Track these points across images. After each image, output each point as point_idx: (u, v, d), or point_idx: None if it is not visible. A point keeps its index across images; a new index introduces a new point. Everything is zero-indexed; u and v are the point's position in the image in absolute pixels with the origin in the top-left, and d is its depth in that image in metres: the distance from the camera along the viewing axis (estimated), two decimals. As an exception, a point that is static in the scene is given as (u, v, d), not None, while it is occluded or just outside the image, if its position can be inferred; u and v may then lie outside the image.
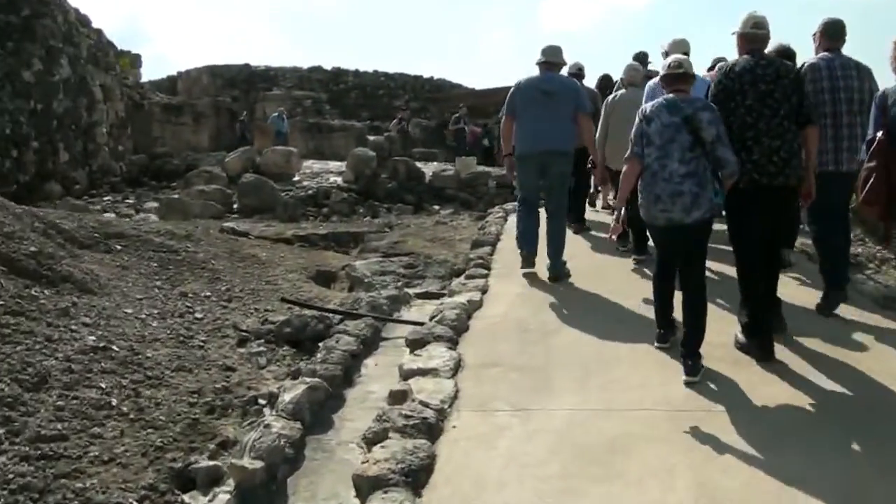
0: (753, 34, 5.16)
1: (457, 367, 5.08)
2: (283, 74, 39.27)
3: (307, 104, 34.76)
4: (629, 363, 5.10)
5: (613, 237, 5.61)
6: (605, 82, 10.25)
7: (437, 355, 5.19)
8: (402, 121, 30.75)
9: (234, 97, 34.89)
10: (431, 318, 6.10)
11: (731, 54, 5.56)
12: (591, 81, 10.56)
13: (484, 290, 6.95)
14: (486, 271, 7.71)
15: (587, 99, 7.79)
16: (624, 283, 7.16)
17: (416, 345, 5.51)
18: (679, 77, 5.00)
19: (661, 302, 5.25)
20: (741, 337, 5.24)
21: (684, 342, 4.87)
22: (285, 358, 5.72)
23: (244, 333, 6.03)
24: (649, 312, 5.52)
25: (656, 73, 7.20)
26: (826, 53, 5.99)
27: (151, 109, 27.86)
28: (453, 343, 5.54)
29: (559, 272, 7.28)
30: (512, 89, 7.46)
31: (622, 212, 5.26)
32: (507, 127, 7.44)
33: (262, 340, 5.94)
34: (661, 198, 4.82)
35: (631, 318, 6.06)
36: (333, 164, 22.39)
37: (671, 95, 4.98)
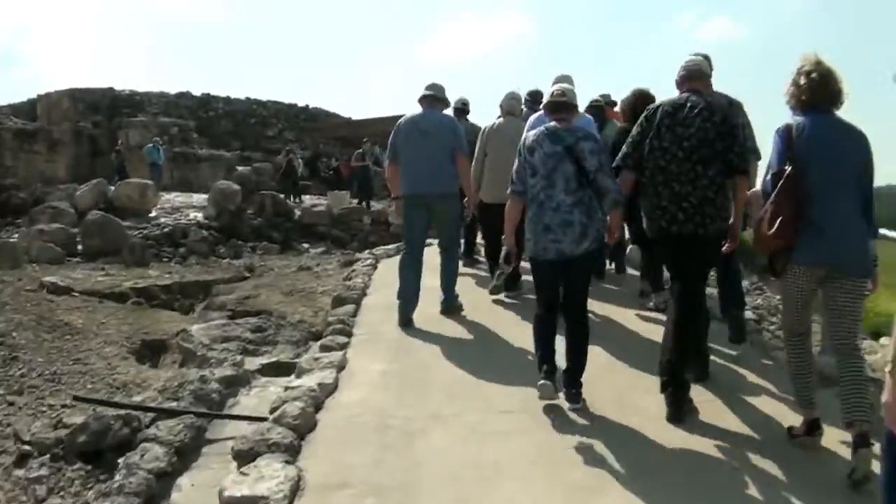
0: (688, 74, 4.94)
1: (294, 493, 3.79)
2: (150, 100, 37.01)
3: (174, 132, 32.74)
4: (515, 476, 3.95)
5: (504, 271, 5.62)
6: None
7: (269, 474, 3.89)
8: (289, 153, 27.34)
9: (95, 123, 32.52)
10: (272, 411, 4.81)
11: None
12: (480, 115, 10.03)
13: (341, 367, 5.68)
14: (345, 339, 6.43)
15: (464, 138, 7.30)
16: (511, 325, 6.78)
17: (244, 458, 4.18)
18: (561, 106, 4.93)
19: (544, 337, 4.97)
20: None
21: (567, 370, 4.84)
22: (74, 483, 4.32)
23: (26, 447, 4.57)
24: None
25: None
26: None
27: (2, 136, 25.43)
28: (293, 453, 4.24)
29: (450, 306, 7.24)
30: (393, 131, 7.16)
31: (509, 247, 5.17)
32: (392, 169, 7.19)
33: (48, 456, 4.50)
34: (552, 227, 4.74)
35: (517, 395, 5.02)
36: (197, 198, 20.72)
37: (553, 124, 4.92)
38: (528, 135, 5.01)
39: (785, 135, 4.18)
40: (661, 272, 7.21)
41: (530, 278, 5.37)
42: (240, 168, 26.70)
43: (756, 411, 4.83)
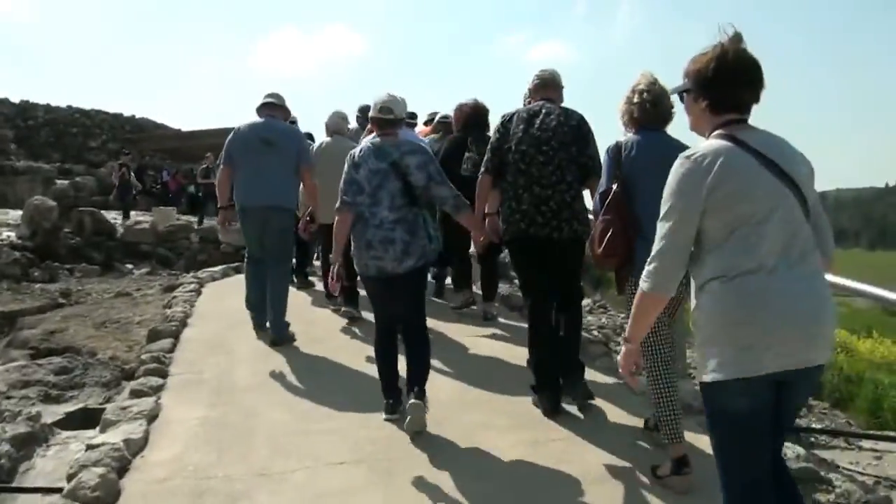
0: (543, 82, 5.13)
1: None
2: (-39, 107, 34.02)
3: (-11, 142, 30.13)
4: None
5: (334, 291, 5.14)
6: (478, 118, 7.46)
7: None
8: (123, 167, 23.87)
9: None
10: (70, 478, 4.11)
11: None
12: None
13: (152, 417, 5.00)
14: (160, 380, 5.72)
15: (310, 151, 7.22)
16: (346, 352, 6.50)
17: (28, 544, 3.51)
18: (387, 122, 4.79)
19: (386, 362, 4.90)
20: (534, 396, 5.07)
21: (409, 381, 4.69)
22: None
23: None
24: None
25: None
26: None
27: None
28: (86, 536, 3.60)
29: (281, 336, 6.76)
30: (230, 135, 6.77)
31: (337, 267, 4.87)
32: (224, 176, 6.80)
33: None
34: (373, 244, 4.63)
35: (355, 441, 4.49)
36: (14, 215, 18.95)
37: (378, 139, 4.79)
38: (355, 151, 4.86)
39: (614, 153, 4.16)
40: (495, 283, 7.60)
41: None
42: (59, 182, 24.83)
43: (617, 446, 4.49)
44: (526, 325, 5.18)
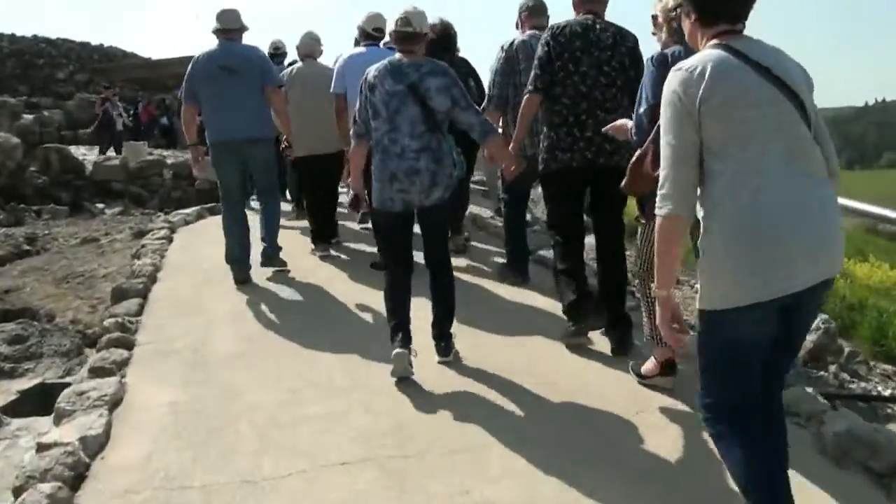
0: None
1: None
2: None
3: (-51, 76, 28.51)
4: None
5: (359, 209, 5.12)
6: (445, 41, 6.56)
7: None
8: (105, 101, 21.31)
9: None
10: (16, 493, 3.33)
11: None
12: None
13: (115, 402, 4.17)
14: (125, 353, 4.87)
15: (274, 70, 6.56)
16: (344, 305, 5.82)
17: None
18: (406, 36, 4.27)
19: (400, 306, 4.43)
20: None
21: (434, 324, 4.52)
22: None
23: None
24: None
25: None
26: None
27: None
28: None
29: (272, 258, 6.52)
30: (189, 67, 6.20)
31: (352, 195, 4.68)
32: (189, 114, 6.35)
33: None
34: (398, 176, 4.22)
35: (359, 431, 3.68)
36: (-23, 153, 17.72)
37: (396, 57, 4.32)
38: (370, 70, 4.36)
39: (660, 64, 3.68)
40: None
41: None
42: (25, 117, 23.49)
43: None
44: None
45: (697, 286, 2.54)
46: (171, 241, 8.23)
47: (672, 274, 2.58)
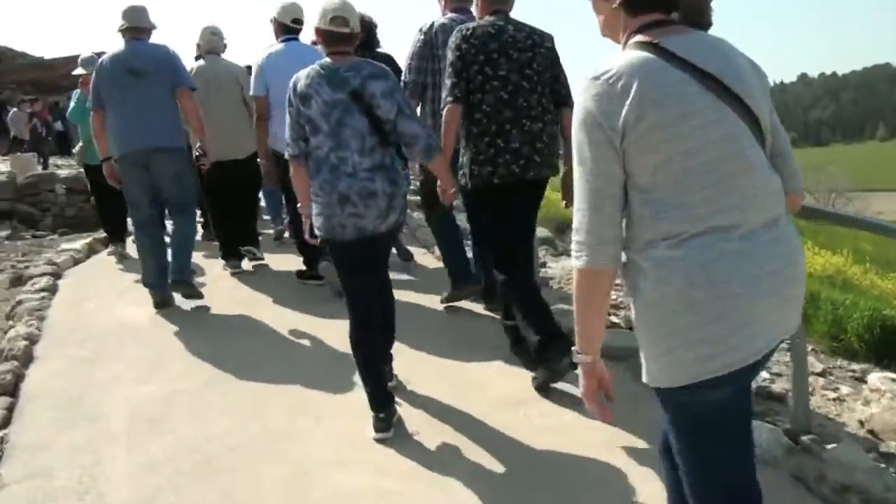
0: None
1: None
2: None
3: None
4: None
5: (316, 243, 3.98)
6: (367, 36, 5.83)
7: None
8: (33, 116, 18.76)
9: None
10: None
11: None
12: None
13: None
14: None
15: (186, 71, 5.88)
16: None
17: None
18: (341, 37, 3.60)
19: (371, 360, 3.72)
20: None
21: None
22: None
23: None
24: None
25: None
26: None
27: None
28: None
29: (184, 279, 5.77)
30: (94, 73, 5.66)
31: (307, 219, 3.81)
32: (98, 123, 5.68)
33: None
34: (350, 198, 3.53)
35: None
36: None
37: (328, 61, 3.61)
38: (298, 78, 3.63)
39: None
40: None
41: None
42: None
43: None
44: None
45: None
46: (55, 291, 6.47)
47: (597, 334, 2.02)
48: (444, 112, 4.15)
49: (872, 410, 4.10)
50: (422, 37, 5.12)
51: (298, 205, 3.99)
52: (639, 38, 1.92)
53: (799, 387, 3.48)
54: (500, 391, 4.14)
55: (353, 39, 3.68)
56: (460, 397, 4.07)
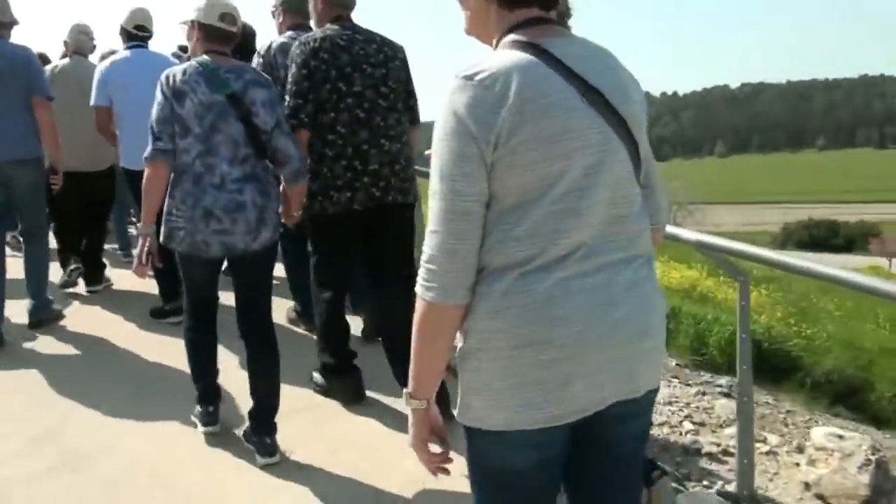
0: None
1: None
2: None
3: None
4: None
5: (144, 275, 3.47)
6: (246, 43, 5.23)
7: None
8: None
9: None
10: None
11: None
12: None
13: None
14: None
15: (45, 76, 5.23)
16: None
17: None
18: (228, 36, 3.37)
19: (204, 355, 3.58)
20: (319, 378, 4.11)
21: (256, 414, 3.42)
22: None
23: None
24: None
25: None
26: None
27: None
28: None
29: (42, 314, 5.18)
30: None
31: (147, 242, 3.30)
32: None
33: None
34: (214, 213, 3.21)
35: None
36: None
37: (206, 58, 3.30)
38: (173, 73, 3.28)
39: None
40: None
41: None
42: None
43: None
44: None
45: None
46: None
47: (435, 376, 1.74)
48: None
49: (820, 472, 3.82)
50: (260, 60, 4.70)
51: (139, 224, 3.50)
52: (515, 36, 1.66)
53: (743, 448, 3.35)
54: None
55: (234, 41, 3.45)
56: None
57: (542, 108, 1.55)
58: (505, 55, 1.62)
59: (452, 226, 1.60)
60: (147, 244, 3.30)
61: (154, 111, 3.26)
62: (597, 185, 1.60)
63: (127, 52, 5.44)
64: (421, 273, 1.65)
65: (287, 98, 3.69)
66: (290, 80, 3.71)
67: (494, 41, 1.72)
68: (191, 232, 3.23)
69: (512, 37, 1.66)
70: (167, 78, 3.26)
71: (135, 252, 3.44)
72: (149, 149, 3.26)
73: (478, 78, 1.57)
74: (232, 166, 3.25)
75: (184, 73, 3.24)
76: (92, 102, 5.45)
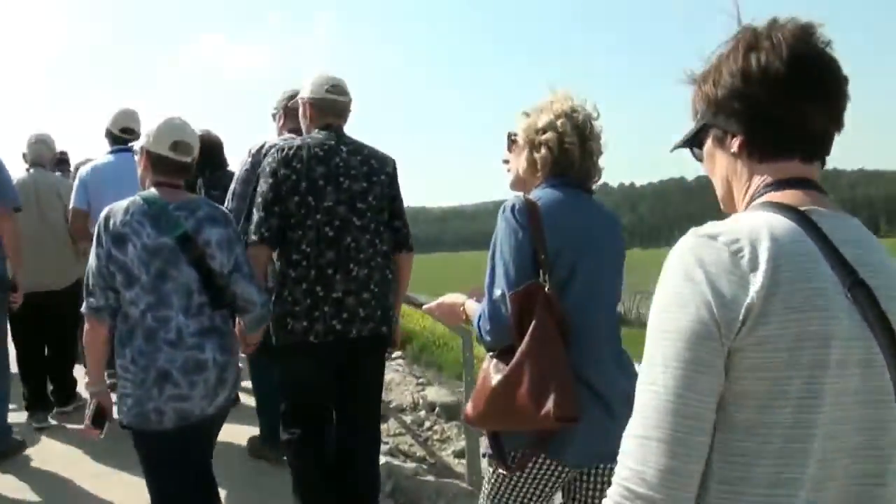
0: (332, 101, 3.41)
1: None
2: None
3: None
4: None
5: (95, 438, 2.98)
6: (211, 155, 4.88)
7: None
8: None
9: None
10: None
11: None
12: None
13: None
14: None
15: (12, 184, 4.83)
16: None
17: None
18: (182, 166, 2.90)
19: None
20: None
21: None
22: None
23: None
24: None
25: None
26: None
27: None
28: None
29: (4, 443, 4.74)
30: None
31: (94, 405, 2.87)
32: None
33: None
34: (171, 375, 2.72)
35: None
36: None
37: (153, 193, 2.84)
38: (112, 212, 2.80)
39: (528, 218, 2.19)
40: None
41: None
42: None
43: None
44: None
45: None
46: None
47: None
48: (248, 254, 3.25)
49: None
50: (250, 159, 4.16)
51: (87, 380, 3.07)
52: (767, 198, 1.20)
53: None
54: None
55: (189, 172, 2.98)
56: None
57: (801, 301, 1.07)
58: (756, 219, 1.16)
59: (675, 434, 1.10)
60: (96, 404, 2.85)
61: (90, 260, 2.81)
62: (853, 420, 1.10)
63: (110, 157, 5.19)
64: (617, 492, 1.12)
65: (253, 210, 3.28)
66: (258, 191, 3.30)
67: (742, 202, 1.25)
68: (139, 400, 2.72)
69: (766, 197, 1.21)
70: (106, 219, 2.78)
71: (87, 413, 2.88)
72: (86, 304, 2.82)
73: (722, 240, 1.12)
74: (188, 318, 2.78)
75: (125, 212, 2.77)
76: (71, 204, 5.18)
